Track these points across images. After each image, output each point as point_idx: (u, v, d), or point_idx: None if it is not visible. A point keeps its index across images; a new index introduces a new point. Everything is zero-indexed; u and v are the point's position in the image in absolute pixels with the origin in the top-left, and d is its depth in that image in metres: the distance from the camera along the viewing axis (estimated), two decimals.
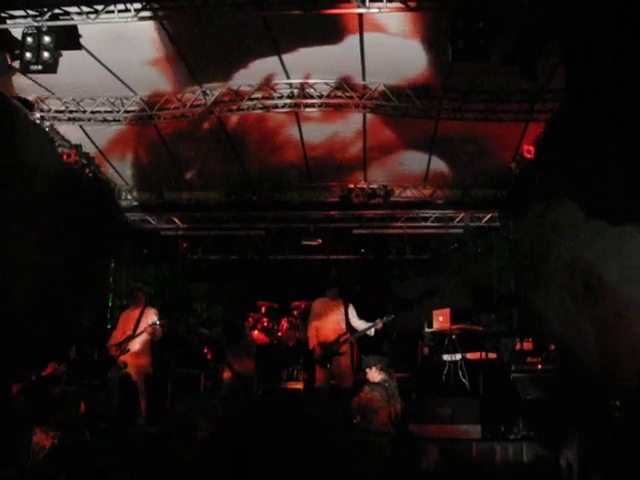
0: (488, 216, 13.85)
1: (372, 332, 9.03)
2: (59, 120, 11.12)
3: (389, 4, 7.50)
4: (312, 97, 10.46)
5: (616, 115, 7.01)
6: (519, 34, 7.11)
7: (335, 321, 9.09)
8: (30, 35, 7.92)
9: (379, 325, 8.94)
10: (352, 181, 13.33)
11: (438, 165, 12.52)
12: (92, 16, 7.91)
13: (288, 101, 10.53)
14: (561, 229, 9.95)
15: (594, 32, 6.84)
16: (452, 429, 7.68)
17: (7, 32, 8.36)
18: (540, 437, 7.63)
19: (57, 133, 11.57)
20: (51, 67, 7.98)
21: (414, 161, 12.46)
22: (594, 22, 6.81)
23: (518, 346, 9.82)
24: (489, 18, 7.05)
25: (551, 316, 10.39)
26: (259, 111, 10.73)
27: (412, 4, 7.45)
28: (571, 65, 7.17)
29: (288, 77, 10.21)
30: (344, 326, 9.02)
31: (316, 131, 11.61)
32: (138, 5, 7.81)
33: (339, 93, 10.39)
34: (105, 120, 11.10)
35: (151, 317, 9.48)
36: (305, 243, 14.32)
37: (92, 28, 8.35)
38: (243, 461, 6.55)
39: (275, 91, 10.47)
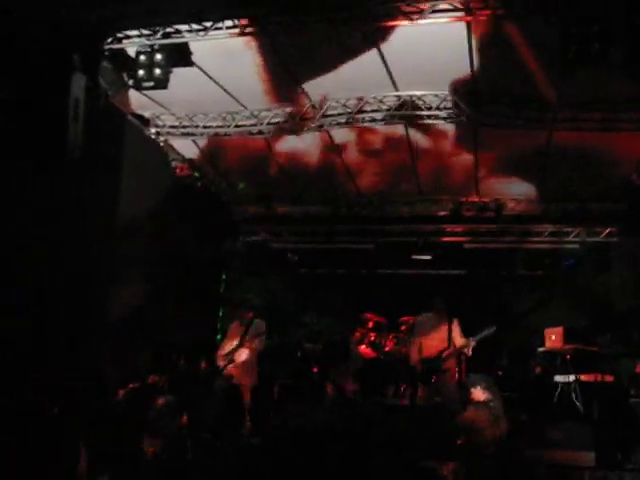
0: (606, 231, 13.22)
1: (469, 351, 8.73)
2: (173, 135, 11.45)
3: (492, 10, 7.28)
4: (421, 109, 10.29)
5: None
6: (635, 40, 6.72)
7: (438, 337, 8.87)
8: (143, 53, 8.22)
9: (472, 343, 8.65)
10: (463, 194, 13.03)
11: (552, 177, 12.05)
12: (201, 33, 8.09)
13: (397, 113, 10.41)
14: None
15: None
16: (563, 455, 7.30)
17: (123, 51, 8.71)
18: None
19: (171, 148, 11.92)
20: (162, 83, 8.25)
21: (527, 172, 12.05)
22: None
23: (638, 369, 9.32)
24: (604, 21, 6.72)
25: None
26: (368, 124, 10.65)
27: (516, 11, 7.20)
28: None
29: (397, 89, 10.10)
30: (447, 342, 8.79)
31: (424, 144, 11.41)
32: (245, 21, 7.92)
33: (449, 105, 10.17)
34: (217, 134, 11.34)
35: (258, 329, 9.56)
36: (415, 257, 14.13)
37: (203, 44, 8.58)
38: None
39: (384, 103, 10.36)
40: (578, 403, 8.99)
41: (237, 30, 7.99)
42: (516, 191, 12.77)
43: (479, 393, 6.82)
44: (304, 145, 11.74)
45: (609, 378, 9.44)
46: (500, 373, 11.16)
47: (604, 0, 6.72)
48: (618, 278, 12.87)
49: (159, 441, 6.07)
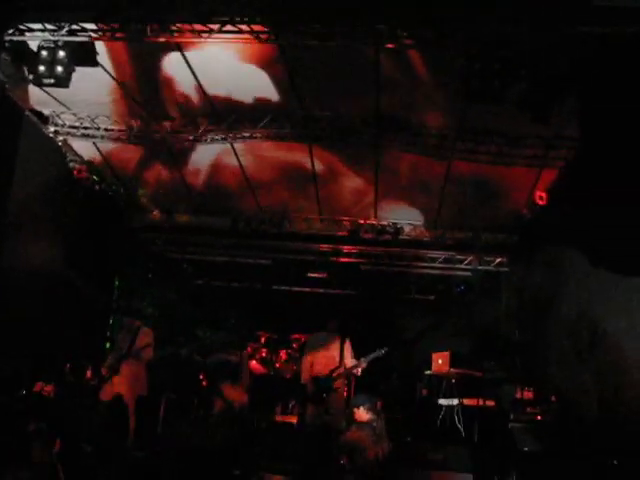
0: (497, 260, 13.69)
1: (359, 371, 8.82)
2: (73, 135, 11.13)
3: (405, 40, 7.46)
4: (324, 130, 10.39)
5: (631, 168, 6.91)
6: (534, 80, 7.03)
7: (330, 356, 8.91)
8: (46, 49, 7.93)
9: (363, 364, 8.74)
10: (362, 217, 13.22)
11: (449, 205, 12.39)
12: (108, 34, 7.91)
13: (302, 132, 10.47)
14: (568, 279, 9.82)
15: (610, 84, 6.77)
16: (442, 476, 7.46)
17: (25, 44, 8.40)
18: None
19: (70, 148, 11.58)
20: (63, 82, 7.99)
21: (425, 202, 12.35)
22: (610, 74, 6.75)
23: (518, 395, 9.64)
24: (505, 61, 7.00)
25: (554, 367, 10.21)
26: (268, 140, 10.68)
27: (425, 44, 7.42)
28: (586, 116, 7.09)
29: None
30: (338, 361, 8.84)
31: (326, 163, 11.54)
32: (156, 26, 7.80)
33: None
34: (118, 139, 11.09)
35: (145, 338, 9.38)
36: (311, 275, 14.21)
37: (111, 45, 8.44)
38: None
39: (289, 120, 10.40)
40: (460, 426, 9.22)
41: (144, 34, 7.85)
42: (413, 216, 13.04)
43: (362, 413, 6.92)
44: (207, 155, 11.64)
45: (490, 403, 9.75)
46: (388, 394, 11.31)
47: (507, 39, 6.97)
48: (505, 306, 13.32)
49: (27, 473, 5.80)
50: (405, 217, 13.10)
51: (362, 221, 13.27)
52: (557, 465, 7.81)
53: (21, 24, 8.00)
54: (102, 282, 13.29)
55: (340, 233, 13.54)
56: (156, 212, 13.87)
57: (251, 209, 13.23)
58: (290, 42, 7.93)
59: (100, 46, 8.48)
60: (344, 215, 13.34)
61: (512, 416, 9.04)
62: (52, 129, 10.96)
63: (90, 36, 8.04)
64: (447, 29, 7.16)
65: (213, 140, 10.80)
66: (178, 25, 7.68)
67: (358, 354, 9.03)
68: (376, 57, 8.37)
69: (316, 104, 9.94)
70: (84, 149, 11.67)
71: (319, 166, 11.65)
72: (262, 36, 7.73)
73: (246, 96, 9.98)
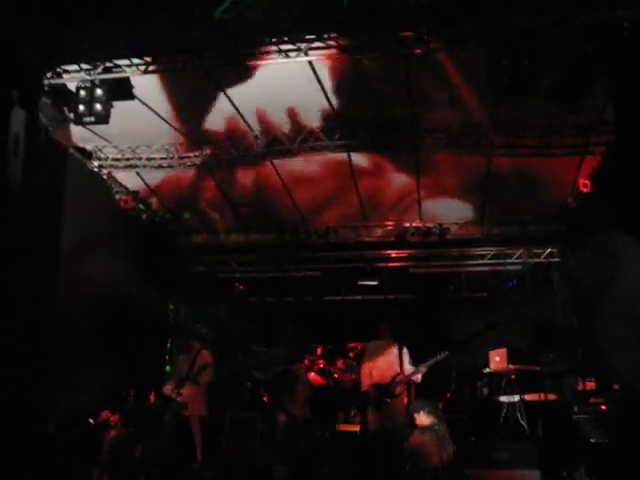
0: (547, 251, 13.55)
1: (419, 378, 8.83)
2: (116, 168, 11.41)
3: (432, 44, 7.51)
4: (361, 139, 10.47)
5: None
6: (564, 71, 7.00)
7: (389, 362, 8.95)
8: (83, 88, 8.19)
9: (422, 370, 8.75)
10: (407, 220, 13.23)
11: (493, 201, 12.34)
12: (142, 67, 8.12)
13: (340, 143, 10.55)
14: (621, 264, 9.67)
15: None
16: (509, 474, 7.45)
17: (64, 86, 8.68)
18: None
19: (115, 180, 11.87)
20: (103, 119, 8.23)
21: (469, 200, 12.33)
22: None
23: (580, 386, 9.55)
24: (534, 54, 6.98)
25: (615, 354, 10.05)
26: (310, 153, 10.79)
27: (452, 44, 7.44)
28: (619, 100, 7.02)
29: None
30: (398, 368, 8.87)
31: (366, 170, 11.61)
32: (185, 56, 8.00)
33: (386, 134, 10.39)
34: (160, 166, 11.33)
35: (204, 360, 9.53)
36: (361, 283, 14.24)
37: (145, 76, 8.64)
38: None
39: (324, 133, 10.51)
40: (523, 422, 9.16)
41: (179, 65, 8.05)
42: (458, 215, 13.01)
43: (423, 418, 6.94)
44: (246, 174, 11.81)
45: (552, 397, 9.65)
46: (449, 395, 11.29)
47: (534, 33, 6.95)
48: (559, 297, 13.18)
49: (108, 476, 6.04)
50: (450, 216, 13.07)
51: (407, 224, 13.28)
52: (625, 455, 7.71)
53: (58, 67, 8.27)
54: (157, 307, 13.54)
55: (387, 239, 13.56)
56: (203, 234, 14.09)
57: (296, 222, 13.35)
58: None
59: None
60: (389, 218, 13.38)
61: (576, 408, 8.95)
62: (96, 163, 11.26)
63: (124, 71, 8.26)
64: (471, 29, 7.17)
65: (254, 159, 10.95)
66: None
67: (415, 359, 9.05)
68: (407, 62, 8.42)
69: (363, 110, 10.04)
70: (128, 180, 11.93)
71: (362, 166, 11.74)
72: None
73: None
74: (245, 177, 11.98)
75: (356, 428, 10.86)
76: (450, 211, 12.86)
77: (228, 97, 9.49)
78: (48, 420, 8.77)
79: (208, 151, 10.97)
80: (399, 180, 11.91)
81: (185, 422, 9.24)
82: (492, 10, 7.08)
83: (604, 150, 9.99)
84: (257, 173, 11.78)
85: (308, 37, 7.72)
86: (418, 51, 7.62)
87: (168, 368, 13.15)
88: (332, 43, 7.77)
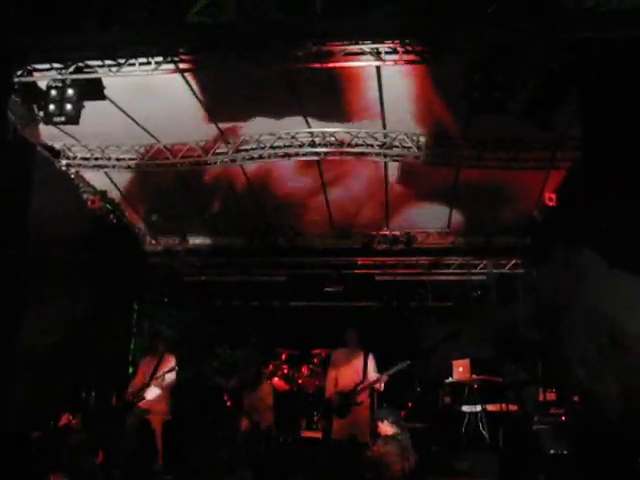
0: (512, 263, 13.73)
1: (381, 386, 8.86)
2: (84, 167, 11.30)
3: (405, 56, 7.57)
4: (333, 145, 10.51)
5: (635, 166, 6.97)
6: (534, 88, 7.12)
7: (354, 370, 8.96)
8: (54, 88, 8.10)
9: (384, 379, 8.77)
10: (374, 228, 13.30)
11: (460, 211, 12.47)
12: (114, 69, 8.06)
13: (309, 150, 10.58)
14: (585, 278, 9.81)
15: (609, 85, 6.85)
16: None
17: (34, 84, 8.58)
18: None
19: (83, 180, 11.75)
20: (73, 119, 8.14)
21: (436, 210, 12.43)
22: (609, 76, 6.83)
23: (541, 397, 9.69)
24: (506, 71, 7.09)
25: (575, 366, 10.21)
26: (280, 159, 10.78)
27: (427, 56, 7.50)
28: (586, 117, 7.16)
29: (309, 126, 10.30)
30: (362, 375, 8.90)
31: (335, 178, 11.65)
32: (159, 58, 7.95)
33: (360, 142, 10.43)
34: (129, 167, 11.25)
35: (168, 364, 9.49)
36: (328, 289, 14.28)
37: (117, 78, 8.57)
38: None
39: (296, 139, 10.53)
40: (484, 432, 9.26)
41: (151, 67, 7.99)
42: (425, 224, 13.11)
43: (387, 427, 6.94)
44: (216, 177, 11.78)
45: (513, 407, 9.79)
46: (411, 404, 11.37)
47: (506, 51, 7.06)
48: (523, 309, 13.34)
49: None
50: (417, 225, 13.17)
51: (375, 232, 13.36)
52: (584, 466, 7.83)
53: (28, 65, 8.17)
54: (121, 307, 13.45)
55: (354, 245, 13.63)
56: (171, 236, 14.04)
57: (264, 227, 13.34)
58: None
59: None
60: (356, 225, 13.42)
61: (536, 418, 9.08)
62: (64, 162, 11.14)
63: (96, 72, 8.19)
64: (444, 44, 7.25)
65: (222, 163, 10.92)
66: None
67: (379, 366, 9.08)
68: (378, 73, 8.48)
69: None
70: (97, 180, 11.83)
71: (329, 180, 11.77)
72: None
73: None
74: (214, 179, 11.92)
75: (318, 435, 10.89)
76: (417, 220, 12.95)
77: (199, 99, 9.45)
78: (7, 420, 8.68)
79: (178, 154, 10.90)
80: (368, 187, 11.96)
81: (147, 425, 9.18)
82: (466, 25, 7.17)
83: (570, 165, 10.15)
84: (226, 175, 11.73)
85: (279, 46, 7.71)
86: (391, 63, 7.67)
87: (131, 370, 13.04)
88: (301, 54, 7.77)
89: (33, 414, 9.33)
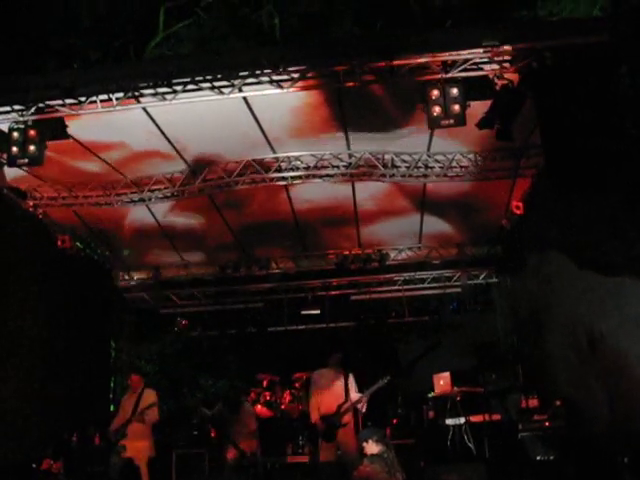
0: (485, 273, 13.85)
1: (363, 407, 8.83)
2: (52, 206, 11.22)
3: (363, 76, 7.65)
4: (299, 169, 10.56)
5: (595, 168, 7.09)
6: (493, 100, 7.24)
7: (335, 392, 8.91)
8: (16, 130, 8.05)
9: (365, 398, 8.75)
10: (346, 248, 13.35)
11: (430, 225, 12.56)
12: (76, 107, 8.05)
13: (276, 175, 10.62)
14: (557, 283, 9.92)
15: (565, 92, 6.99)
16: None
17: None
18: None
19: (51, 220, 11.67)
20: (37, 160, 8.06)
21: (407, 222, 12.50)
22: (563, 81, 6.97)
23: (523, 404, 9.71)
24: (463, 84, 7.21)
25: (555, 371, 10.29)
26: (247, 186, 10.82)
27: (386, 75, 7.59)
28: (545, 125, 7.28)
29: (274, 151, 10.35)
30: (344, 397, 8.87)
31: (305, 201, 11.71)
32: (120, 94, 7.95)
33: (325, 163, 10.50)
34: (97, 204, 11.20)
35: (149, 399, 9.39)
36: (304, 313, 14.29)
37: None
38: None
39: (262, 166, 10.57)
40: (470, 444, 9.27)
41: (113, 104, 8.00)
42: (397, 241, 13.20)
43: (372, 446, 6.94)
44: (185, 208, 11.79)
45: (497, 416, 9.82)
46: (395, 421, 11.37)
47: (461, 64, 7.19)
48: (500, 317, 13.45)
49: None
50: (389, 242, 13.25)
51: (347, 252, 13.40)
52: (570, 470, 7.88)
53: None
54: (98, 345, 13.33)
55: (327, 267, 13.67)
56: (143, 270, 13.99)
57: (237, 255, 13.34)
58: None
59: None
60: (328, 247, 13.47)
61: (520, 426, 9.10)
62: (31, 203, 11.05)
63: (57, 111, 8.17)
64: (398, 60, 7.34)
65: (191, 194, 10.92)
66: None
67: (361, 385, 9.07)
68: (338, 95, 8.57)
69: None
70: (65, 218, 11.76)
71: (298, 203, 11.82)
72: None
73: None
74: (182, 210, 11.92)
75: (305, 459, 10.84)
76: (389, 237, 13.03)
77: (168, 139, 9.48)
78: None
79: (145, 188, 10.89)
80: (337, 207, 12.02)
81: (130, 465, 9.07)
82: (420, 42, 7.29)
83: (534, 172, 10.29)
84: (195, 205, 11.72)
85: (241, 74, 7.77)
86: (351, 84, 7.75)
87: (112, 407, 12.90)
88: (265, 79, 7.83)
89: (14, 458, 9.20)
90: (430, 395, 10.60)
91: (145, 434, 9.30)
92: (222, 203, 11.71)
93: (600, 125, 6.85)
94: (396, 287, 14.13)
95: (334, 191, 11.45)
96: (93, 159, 10.06)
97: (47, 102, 7.99)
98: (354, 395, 8.88)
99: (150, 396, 9.48)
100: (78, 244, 12.26)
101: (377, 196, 11.62)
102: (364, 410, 8.83)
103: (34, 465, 9.34)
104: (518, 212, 11.02)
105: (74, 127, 8.72)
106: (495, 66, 7.31)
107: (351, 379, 9.04)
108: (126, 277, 14.23)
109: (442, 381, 10.03)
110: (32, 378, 10.41)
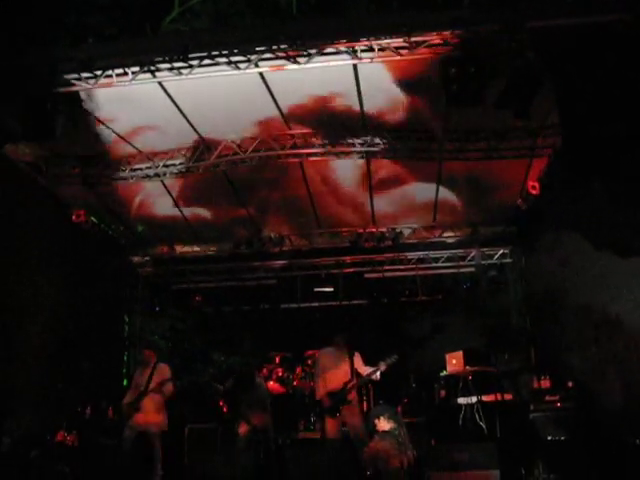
0: (499, 252, 13.78)
1: (377, 376, 8.86)
2: (67, 183, 11.22)
3: (380, 53, 7.58)
4: (314, 146, 10.52)
5: (612, 149, 7.02)
6: (509, 78, 7.16)
7: (341, 370, 8.96)
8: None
9: (382, 368, 8.78)
10: (360, 225, 13.31)
11: (445, 204, 12.49)
12: (91, 81, 8.04)
13: (291, 151, 10.59)
14: (573, 265, 9.87)
15: (583, 72, 6.90)
16: (470, 475, 7.56)
17: None
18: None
19: (65, 194, 11.69)
20: (52, 134, 8.06)
21: (422, 194, 12.43)
22: (583, 63, 6.88)
23: (536, 384, 9.71)
24: (480, 63, 7.12)
25: (568, 352, 10.27)
26: (262, 162, 10.79)
27: (404, 52, 7.51)
28: (564, 104, 7.20)
29: (289, 128, 10.30)
30: (350, 375, 8.91)
31: (320, 177, 11.67)
32: (136, 68, 7.93)
33: (341, 140, 10.44)
34: (112, 179, 11.20)
35: (162, 374, 9.45)
36: (317, 290, 14.30)
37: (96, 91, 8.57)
38: None
39: (278, 142, 10.53)
40: (482, 423, 9.28)
41: (128, 77, 7.98)
42: (411, 219, 13.14)
43: (383, 423, 6.99)
44: (200, 183, 11.77)
45: (508, 396, 9.82)
46: (407, 400, 11.39)
47: (481, 41, 7.10)
48: (514, 297, 13.40)
49: None
50: (403, 221, 13.19)
51: (361, 230, 13.36)
52: (581, 451, 7.88)
53: None
54: (112, 320, 13.41)
55: (341, 245, 13.64)
56: (158, 245, 14.00)
57: (250, 232, 13.33)
58: None
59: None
60: (342, 224, 13.45)
61: (532, 406, 9.10)
62: (46, 178, 11.04)
63: (73, 85, 8.15)
64: (417, 36, 7.28)
65: (206, 169, 10.90)
66: None
67: (371, 363, 9.09)
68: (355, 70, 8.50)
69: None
70: (81, 193, 11.77)
71: (313, 180, 11.79)
72: None
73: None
74: (195, 185, 11.91)
75: (317, 435, 10.89)
76: (403, 215, 12.97)
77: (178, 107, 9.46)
78: (3, 439, 8.64)
79: (160, 162, 10.89)
80: (351, 185, 11.98)
81: (144, 437, 9.16)
82: (439, 20, 7.22)
83: (551, 152, 10.19)
84: (205, 180, 11.70)
85: (258, 49, 7.72)
86: (367, 61, 7.68)
87: (126, 382, 13.00)
88: (282, 54, 7.78)
89: (30, 432, 9.30)
90: (442, 374, 10.62)
91: (159, 408, 9.37)
92: (236, 179, 11.69)
93: (618, 107, 6.77)
94: (410, 266, 14.07)
95: (349, 167, 11.40)
96: (108, 133, 10.06)
97: (63, 76, 7.97)
98: (364, 368, 8.91)
99: (164, 370, 9.56)
100: (93, 219, 12.29)
101: (390, 169, 11.53)
102: (378, 379, 8.84)
103: (48, 437, 9.45)
104: (534, 192, 10.93)
105: (89, 102, 8.74)
106: (513, 44, 7.21)
107: (357, 356, 9.08)
108: (140, 253, 14.26)
109: (454, 360, 10.03)
110: (46, 352, 10.51)
